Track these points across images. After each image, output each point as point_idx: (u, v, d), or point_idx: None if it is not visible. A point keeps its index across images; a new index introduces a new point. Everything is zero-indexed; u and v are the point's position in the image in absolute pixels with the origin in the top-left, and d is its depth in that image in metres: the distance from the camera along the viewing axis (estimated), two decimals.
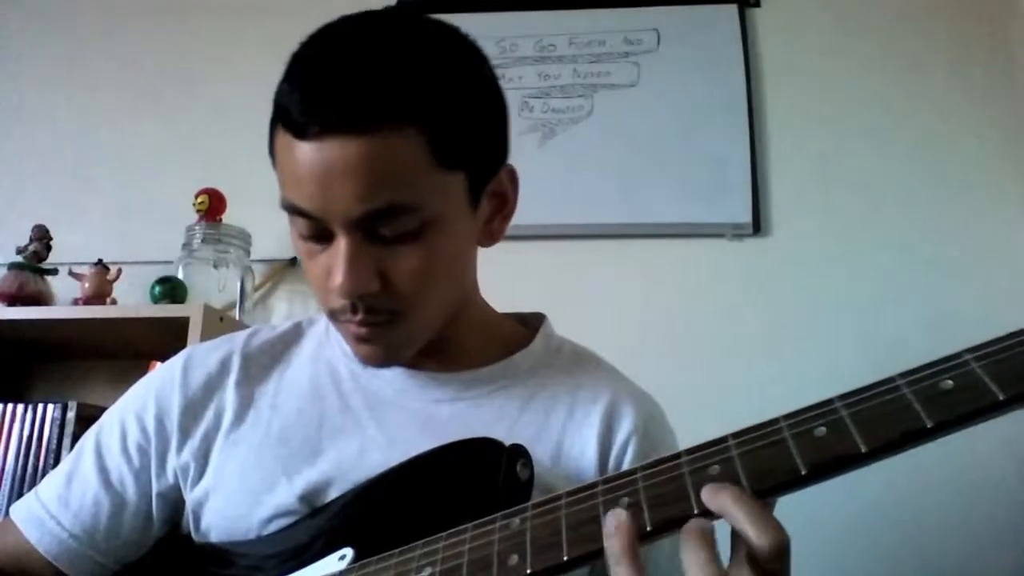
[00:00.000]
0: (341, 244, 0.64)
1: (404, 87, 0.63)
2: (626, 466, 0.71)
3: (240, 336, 0.83)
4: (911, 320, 1.54)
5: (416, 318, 0.70)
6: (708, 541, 0.45)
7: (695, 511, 0.46)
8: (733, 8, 1.78)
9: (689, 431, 0.66)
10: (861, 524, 1.45)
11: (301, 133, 0.62)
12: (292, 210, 0.65)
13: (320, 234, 0.66)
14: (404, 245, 0.65)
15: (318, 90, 0.62)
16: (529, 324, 0.84)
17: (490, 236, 0.75)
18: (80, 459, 0.78)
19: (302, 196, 0.64)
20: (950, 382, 0.42)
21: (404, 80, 0.63)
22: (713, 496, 0.46)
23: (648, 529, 0.47)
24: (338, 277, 0.64)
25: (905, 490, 1.44)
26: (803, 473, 0.44)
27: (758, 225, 1.65)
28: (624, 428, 0.74)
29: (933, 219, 1.63)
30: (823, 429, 0.45)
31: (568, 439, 0.74)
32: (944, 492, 1.45)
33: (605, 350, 0.85)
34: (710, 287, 1.64)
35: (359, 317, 0.67)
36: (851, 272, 1.61)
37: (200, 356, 0.80)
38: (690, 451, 0.50)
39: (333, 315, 0.70)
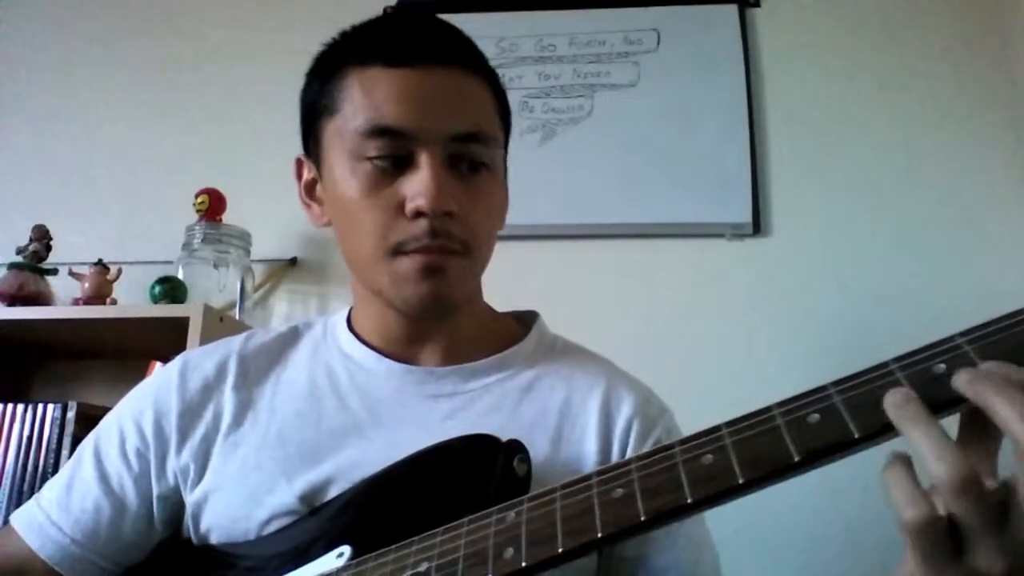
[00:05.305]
0: (426, 164, 0.68)
1: (473, 46, 0.74)
2: (630, 447, 0.73)
3: (237, 340, 0.83)
4: (911, 320, 1.53)
5: (477, 258, 0.74)
6: (912, 474, 0.42)
7: (688, 500, 0.46)
8: (733, 8, 1.78)
9: (689, 431, 0.66)
10: (857, 518, 1.44)
11: (405, 61, 0.69)
12: (379, 132, 0.68)
13: (397, 159, 0.69)
14: (474, 181, 0.71)
15: (419, 29, 0.73)
16: (523, 321, 0.85)
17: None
18: (80, 465, 0.78)
19: (398, 115, 0.68)
20: (943, 365, 0.42)
21: (470, 41, 0.75)
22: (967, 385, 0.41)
23: (642, 519, 0.47)
24: (423, 194, 0.67)
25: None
26: (796, 460, 0.44)
27: (758, 225, 1.65)
28: (624, 412, 0.75)
29: (933, 219, 1.63)
30: (816, 415, 0.44)
31: (567, 425, 0.75)
32: None
33: (605, 350, 0.85)
34: (710, 287, 1.64)
35: (437, 241, 0.68)
36: (851, 272, 1.61)
37: (197, 360, 0.81)
38: (684, 441, 0.50)
39: (400, 248, 0.69)
